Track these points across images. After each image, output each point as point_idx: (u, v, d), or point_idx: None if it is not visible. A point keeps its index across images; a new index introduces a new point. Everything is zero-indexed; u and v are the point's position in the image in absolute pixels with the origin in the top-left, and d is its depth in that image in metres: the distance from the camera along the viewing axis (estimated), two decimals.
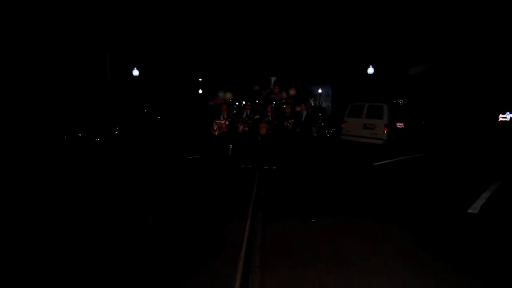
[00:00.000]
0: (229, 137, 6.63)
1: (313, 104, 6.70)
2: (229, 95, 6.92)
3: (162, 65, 24.08)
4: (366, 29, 21.57)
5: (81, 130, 10.09)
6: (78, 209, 3.55)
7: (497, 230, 3.30)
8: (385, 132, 9.22)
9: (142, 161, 7.05)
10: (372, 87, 19.12)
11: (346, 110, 10.69)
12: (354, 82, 23.09)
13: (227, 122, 6.23)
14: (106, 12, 16.78)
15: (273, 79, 8.04)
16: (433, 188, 5.19)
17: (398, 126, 10.70)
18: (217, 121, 6.26)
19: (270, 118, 6.40)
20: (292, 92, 6.99)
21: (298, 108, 6.74)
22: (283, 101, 6.97)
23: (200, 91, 30.63)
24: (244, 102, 7.17)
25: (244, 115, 6.54)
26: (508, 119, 11.07)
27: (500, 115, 11.73)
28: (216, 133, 6.37)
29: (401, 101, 20.56)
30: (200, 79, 31.83)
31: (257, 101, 7.35)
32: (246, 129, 6.46)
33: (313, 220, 3.35)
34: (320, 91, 29.45)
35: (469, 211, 3.83)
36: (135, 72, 18.99)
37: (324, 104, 29.69)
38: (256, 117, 6.50)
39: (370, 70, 17.67)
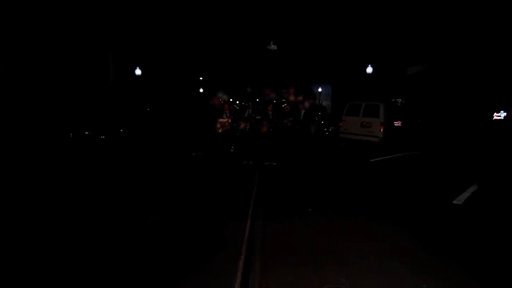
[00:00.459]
0: (231, 134, 6.95)
1: (308, 105, 7.00)
2: (225, 97, 7.23)
3: (164, 64, 24.37)
4: (365, 29, 21.82)
5: (87, 128, 10.36)
6: (82, 205, 3.63)
7: (477, 218, 3.64)
8: (381, 130, 9.53)
9: (146, 158, 7.22)
10: (371, 87, 19.40)
11: (344, 109, 11.02)
12: (353, 82, 23.35)
13: (229, 121, 6.55)
14: (108, 13, 17.07)
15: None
16: (423, 182, 5.51)
17: (395, 124, 10.98)
18: (220, 120, 6.58)
19: (270, 117, 6.73)
20: (292, 97, 7.28)
21: (301, 106, 7.03)
22: (283, 100, 7.29)
23: (201, 90, 30.97)
24: (243, 103, 7.47)
25: (246, 114, 6.87)
26: (502, 118, 11.40)
27: (495, 114, 12.07)
28: (220, 131, 6.68)
29: (399, 100, 20.83)
30: (201, 78, 32.15)
31: (257, 100, 7.68)
32: (248, 127, 6.78)
33: (310, 210, 3.68)
34: (320, 90, 29.74)
35: (454, 202, 4.17)
36: (138, 71, 19.33)
37: (324, 103, 29.91)
38: (257, 117, 6.83)
39: (369, 70, 17.97)
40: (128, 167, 6.06)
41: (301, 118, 7.08)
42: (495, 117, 12.12)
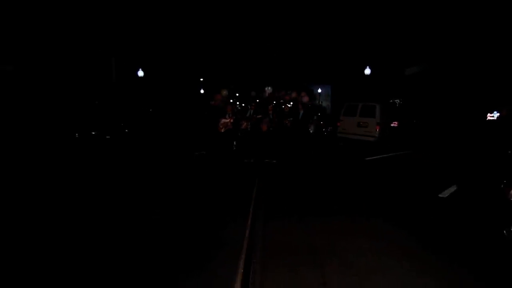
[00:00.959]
0: (233, 134, 7.28)
1: (307, 104, 7.35)
2: (224, 92, 7.52)
3: (166, 66, 24.74)
4: (364, 31, 22.16)
5: (93, 128, 10.68)
6: (85, 205, 3.69)
7: (458, 209, 4.01)
8: (377, 130, 9.88)
9: (151, 157, 7.42)
10: (370, 87, 19.72)
11: (342, 110, 11.39)
12: (352, 82, 23.68)
13: (232, 121, 6.89)
14: (112, 16, 17.48)
15: (269, 88, 8.18)
16: (414, 179, 5.89)
17: (392, 125, 11.33)
18: (223, 120, 6.91)
19: (271, 117, 7.09)
20: (294, 95, 7.62)
21: (300, 106, 7.37)
22: (281, 101, 7.64)
23: (202, 91, 31.31)
24: (243, 104, 7.79)
25: (248, 114, 7.22)
26: (495, 118, 11.72)
27: (488, 114, 12.41)
28: (222, 131, 7.02)
29: (397, 101, 21.16)
30: (202, 79, 32.49)
31: (257, 100, 8.04)
32: (249, 126, 7.13)
33: (306, 201, 4.04)
34: (320, 90, 30.09)
35: (440, 195, 4.54)
36: (140, 73, 19.70)
37: (324, 104, 30.21)
38: (258, 116, 7.19)
39: (367, 71, 18.32)
40: (133, 166, 6.22)
41: (300, 118, 7.42)
42: (488, 118, 12.46)
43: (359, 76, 20.00)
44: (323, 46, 26.62)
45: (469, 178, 5.63)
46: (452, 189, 4.88)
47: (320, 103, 28.47)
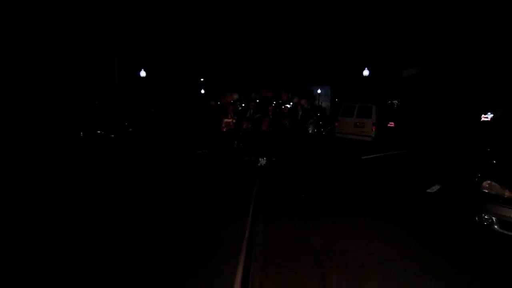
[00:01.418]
0: (234, 133, 7.59)
1: (306, 102, 7.70)
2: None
3: (167, 66, 25.07)
4: (363, 33, 22.50)
5: (98, 127, 10.95)
6: (88, 203, 3.75)
7: (443, 203, 4.37)
8: (373, 130, 10.23)
9: (155, 155, 7.63)
10: (369, 88, 20.05)
11: (340, 110, 11.74)
12: (351, 83, 24.01)
13: (234, 121, 7.21)
14: (114, 17, 17.80)
15: None
16: (406, 176, 6.24)
17: (388, 125, 11.67)
18: (225, 120, 7.23)
19: (270, 117, 7.41)
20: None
21: (299, 107, 7.72)
22: (280, 101, 7.97)
23: (202, 91, 31.61)
24: (243, 105, 8.08)
25: (248, 114, 7.54)
26: (489, 119, 12.04)
27: (483, 115, 12.75)
28: (224, 130, 7.34)
29: (395, 102, 21.50)
30: (202, 79, 32.78)
31: (257, 100, 8.35)
32: (250, 126, 7.44)
33: (303, 195, 4.37)
34: (319, 91, 30.40)
35: (428, 190, 4.89)
36: (142, 73, 20.02)
37: (324, 104, 30.49)
38: (258, 115, 7.50)
39: (366, 73, 18.64)
40: (136, 165, 6.39)
41: (299, 118, 7.75)
42: (482, 118, 12.80)
43: (358, 77, 20.33)
44: (323, 47, 26.94)
45: (454, 175, 6.00)
46: (439, 185, 5.22)
47: (320, 103, 28.77)
